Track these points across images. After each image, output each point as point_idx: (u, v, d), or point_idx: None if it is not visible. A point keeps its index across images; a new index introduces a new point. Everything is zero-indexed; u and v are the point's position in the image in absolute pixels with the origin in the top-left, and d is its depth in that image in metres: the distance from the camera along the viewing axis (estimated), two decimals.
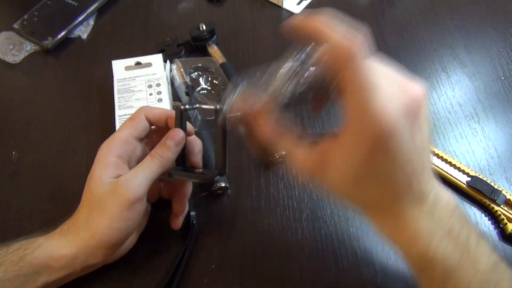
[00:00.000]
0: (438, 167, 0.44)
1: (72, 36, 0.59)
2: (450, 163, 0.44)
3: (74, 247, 0.33)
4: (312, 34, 0.25)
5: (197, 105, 0.37)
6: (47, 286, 0.33)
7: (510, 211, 0.41)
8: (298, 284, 0.39)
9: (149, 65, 0.52)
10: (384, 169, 0.25)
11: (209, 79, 0.52)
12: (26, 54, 0.57)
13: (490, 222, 0.42)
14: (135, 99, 0.49)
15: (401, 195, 0.27)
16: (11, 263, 0.32)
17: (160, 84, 0.50)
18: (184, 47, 0.55)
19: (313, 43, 0.26)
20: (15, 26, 0.58)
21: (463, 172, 0.44)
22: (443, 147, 0.47)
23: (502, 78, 0.53)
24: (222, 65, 0.53)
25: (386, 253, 0.40)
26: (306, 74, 0.27)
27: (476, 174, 0.43)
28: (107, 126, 0.47)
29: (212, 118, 0.43)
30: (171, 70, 0.52)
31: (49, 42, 0.57)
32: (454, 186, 0.44)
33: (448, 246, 0.27)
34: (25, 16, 0.59)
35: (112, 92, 0.49)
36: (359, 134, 0.24)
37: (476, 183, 0.42)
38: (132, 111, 0.47)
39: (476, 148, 0.47)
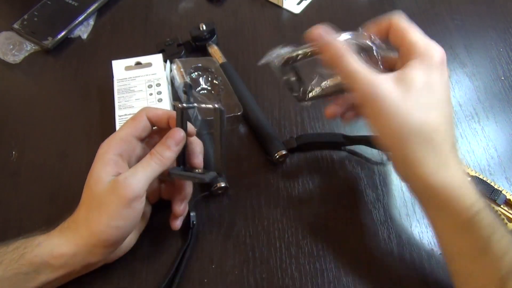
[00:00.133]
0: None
1: (72, 36, 0.59)
2: None
3: (73, 245, 0.33)
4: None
5: (196, 104, 0.37)
6: (47, 285, 0.33)
7: (510, 211, 0.41)
8: (298, 284, 0.39)
9: (149, 65, 0.52)
10: (441, 92, 0.32)
11: (209, 79, 0.52)
12: (26, 54, 0.57)
13: None
14: (135, 99, 0.49)
15: (453, 132, 0.32)
16: (11, 261, 0.32)
17: (160, 84, 0.50)
18: (184, 47, 0.55)
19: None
20: (15, 26, 0.58)
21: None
22: None
23: (502, 78, 0.53)
24: (222, 65, 0.53)
25: (386, 253, 0.40)
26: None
27: (476, 174, 0.43)
28: (107, 126, 0.47)
29: (212, 118, 0.43)
30: (171, 70, 0.52)
31: (49, 42, 0.57)
32: None
33: (486, 201, 0.31)
34: (25, 16, 0.59)
35: (112, 92, 0.49)
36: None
37: (476, 183, 0.42)
38: (132, 111, 0.47)
39: (476, 148, 0.47)
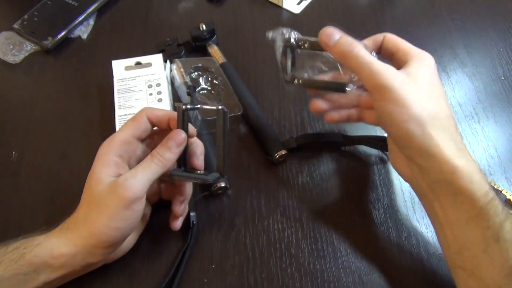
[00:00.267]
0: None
1: (72, 36, 0.59)
2: None
3: (73, 246, 0.33)
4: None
5: (199, 105, 0.37)
6: (47, 285, 0.33)
7: (510, 211, 0.41)
8: (298, 284, 0.39)
9: (149, 65, 0.52)
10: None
11: (209, 79, 0.52)
12: (26, 54, 0.57)
13: None
14: (135, 99, 0.49)
15: (453, 122, 0.34)
16: (11, 261, 0.32)
17: (160, 84, 0.50)
18: (184, 47, 0.55)
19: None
20: (15, 26, 0.58)
21: None
22: None
23: (502, 78, 0.53)
24: (222, 65, 0.53)
25: (386, 253, 0.40)
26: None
27: None
28: (107, 126, 0.47)
29: (212, 118, 0.43)
30: (171, 70, 0.52)
31: (49, 42, 0.57)
32: None
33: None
34: (25, 16, 0.59)
35: (112, 92, 0.49)
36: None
37: None
38: (132, 111, 0.47)
39: (476, 148, 0.47)
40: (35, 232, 0.34)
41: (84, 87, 0.54)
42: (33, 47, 0.57)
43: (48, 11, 0.60)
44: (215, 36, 0.56)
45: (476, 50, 0.55)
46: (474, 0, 0.61)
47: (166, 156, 0.35)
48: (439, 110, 0.33)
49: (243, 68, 0.54)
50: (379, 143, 0.45)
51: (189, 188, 0.40)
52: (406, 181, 0.37)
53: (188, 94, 0.38)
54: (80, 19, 0.59)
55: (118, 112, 0.48)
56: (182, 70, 0.51)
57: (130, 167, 0.36)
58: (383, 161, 0.46)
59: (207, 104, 0.46)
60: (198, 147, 0.40)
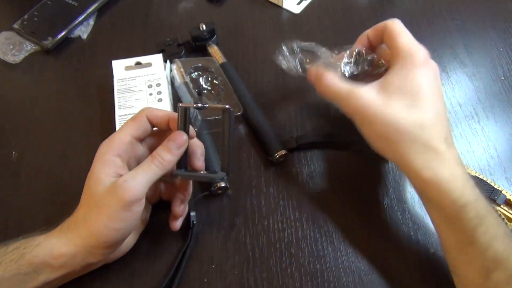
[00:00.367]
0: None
1: (72, 36, 0.59)
2: None
3: (72, 246, 0.33)
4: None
5: (207, 105, 0.37)
6: (47, 285, 0.33)
7: (510, 211, 0.41)
8: (298, 284, 0.39)
9: (149, 65, 0.52)
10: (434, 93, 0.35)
11: (209, 79, 0.52)
12: (26, 54, 0.57)
13: None
14: (135, 99, 0.49)
15: (442, 128, 0.34)
16: (11, 261, 0.32)
17: (160, 84, 0.50)
18: (184, 47, 0.55)
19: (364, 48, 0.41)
20: (15, 26, 0.58)
21: None
22: None
23: (502, 78, 0.53)
24: (222, 65, 0.53)
25: (387, 252, 0.40)
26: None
27: (476, 174, 0.43)
28: (107, 126, 0.47)
29: (212, 118, 0.43)
30: (171, 70, 0.52)
31: (49, 42, 0.57)
32: None
33: (477, 195, 0.32)
34: (25, 16, 0.59)
35: (112, 92, 0.49)
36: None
37: (476, 183, 0.42)
38: (132, 111, 0.47)
39: (476, 148, 0.47)
40: (35, 232, 0.34)
41: (84, 87, 0.54)
42: (33, 47, 0.57)
43: (48, 11, 0.60)
44: (215, 36, 0.56)
45: (476, 50, 0.55)
46: (474, 0, 0.61)
47: (166, 157, 0.35)
48: (409, 120, 0.34)
49: (243, 68, 0.54)
50: None
51: (189, 188, 0.40)
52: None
53: (198, 93, 0.37)
54: (80, 19, 0.59)
55: (118, 112, 0.48)
56: (182, 70, 0.51)
57: (129, 167, 0.36)
58: (383, 161, 0.46)
59: (213, 103, 0.46)
60: (198, 147, 0.39)
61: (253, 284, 0.39)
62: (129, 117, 0.47)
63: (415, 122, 0.34)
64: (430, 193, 0.33)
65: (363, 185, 0.45)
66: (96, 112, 0.51)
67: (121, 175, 0.34)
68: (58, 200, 0.44)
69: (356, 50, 0.40)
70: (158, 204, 0.42)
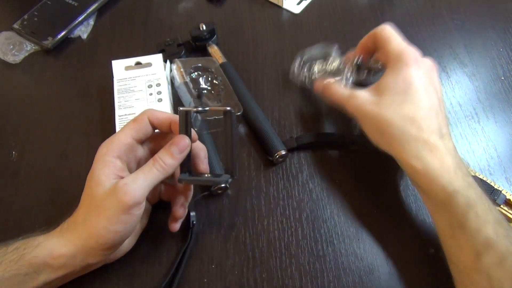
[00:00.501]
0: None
1: (72, 36, 0.59)
2: None
3: (72, 246, 0.33)
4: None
5: (207, 108, 0.37)
6: (47, 285, 0.33)
7: (510, 211, 0.41)
8: (298, 284, 0.39)
9: (149, 65, 0.52)
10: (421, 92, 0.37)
11: (209, 79, 0.52)
12: (26, 54, 0.57)
13: None
14: (135, 99, 0.49)
15: (432, 121, 0.36)
16: (11, 262, 0.32)
17: (160, 84, 0.50)
18: (184, 47, 0.55)
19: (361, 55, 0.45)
20: (15, 26, 0.58)
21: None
22: None
23: (502, 78, 0.53)
24: (222, 65, 0.53)
25: (386, 252, 0.40)
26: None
27: (476, 174, 0.43)
28: (107, 126, 0.47)
29: (212, 118, 0.43)
30: (171, 70, 0.52)
31: (49, 42, 0.57)
32: None
33: (469, 183, 0.34)
34: (25, 16, 0.59)
35: (112, 92, 0.49)
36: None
37: (476, 183, 0.42)
38: (132, 111, 0.47)
39: (476, 148, 0.47)
40: (35, 233, 0.34)
41: (84, 87, 0.54)
42: (33, 47, 0.57)
43: (48, 11, 0.60)
44: (215, 36, 0.56)
45: (476, 50, 0.55)
46: (474, 0, 0.61)
47: (168, 162, 0.35)
48: (398, 116, 0.37)
49: (243, 68, 0.54)
50: None
51: (189, 190, 0.40)
52: None
53: (198, 96, 0.37)
54: (80, 19, 0.59)
55: (118, 112, 0.48)
56: (182, 70, 0.51)
57: (129, 169, 0.36)
58: (383, 161, 0.46)
59: (213, 106, 0.46)
60: (201, 150, 0.39)
61: (253, 284, 0.39)
62: (129, 117, 0.47)
63: (406, 116, 0.36)
64: (421, 182, 0.36)
65: (363, 185, 0.45)
66: (96, 112, 0.51)
67: (121, 177, 0.34)
68: (58, 200, 0.44)
69: (355, 60, 0.44)
70: (158, 204, 0.42)
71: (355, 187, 0.45)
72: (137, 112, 0.47)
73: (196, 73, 0.52)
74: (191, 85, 0.50)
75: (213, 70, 0.52)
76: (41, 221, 0.42)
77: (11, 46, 0.57)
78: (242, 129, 0.49)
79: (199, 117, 0.47)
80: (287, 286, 0.39)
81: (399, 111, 0.37)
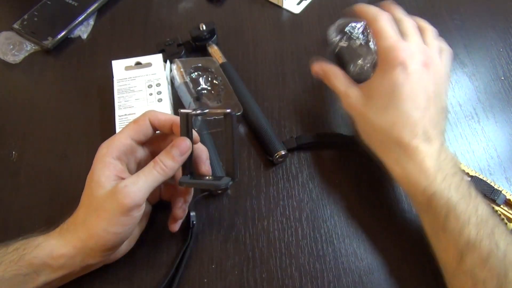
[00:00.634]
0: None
1: (72, 36, 0.59)
2: None
3: (71, 247, 0.33)
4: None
5: (207, 110, 0.36)
6: (47, 285, 0.33)
7: (510, 211, 0.41)
8: (298, 284, 0.39)
9: (149, 65, 0.52)
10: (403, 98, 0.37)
11: (209, 79, 0.52)
12: (26, 54, 0.57)
13: None
14: (135, 99, 0.49)
15: (415, 125, 0.36)
16: (10, 262, 0.32)
17: (160, 84, 0.50)
18: (184, 47, 0.55)
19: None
20: (15, 26, 0.58)
21: (463, 172, 0.44)
22: None
23: (502, 78, 0.53)
24: (222, 65, 0.53)
25: (387, 252, 0.40)
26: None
27: (476, 174, 0.43)
28: (107, 126, 0.47)
29: (212, 118, 0.43)
30: (171, 70, 0.52)
31: (49, 42, 0.57)
32: None
33: (451, 184, 0.34)
34: (25, 16, 0.59)
35: (112, 92, 0.49)
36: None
37: (476, 183, 0.42)
38: (132, 111, 0.47)
39: (476, 148, 0.47)
40: (35, 233, 0.34)
41: (84, 87, 0.54)
42: (33, 47, 0.57)
43: (48, 11, 0.60)
44: (215, 36, 0.56)
45: (476, 50, 0.55)
46: (474, 0, 0.61)
47: (168, 164, 0.35)
48: (382, 120, 0.37)
49: (243, 68, 0.54)
50: None
51: (190, 192, 0.40)
52: None
53: (197, 99, 0.37)
54: (80, 19, 0.59)
55: (118, 112, 0.48)
56: (182, 70, 0.51)
57: (129, 169, 0.36)
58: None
59: (213, 108, 0.46)
60: (203, 152, 0.39)
61: (253, 284, 0.39)
62: (129, 117, 0.47)
63: (388, 122, 0.37)
64: (402, 186, 0.37)
65: (364, 185, 0.45)
66: (96, 112, 0.51)
67: (121, 178, 0.34)
68: (58, 200, 0.44)
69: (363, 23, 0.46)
70: (158, 204, 0.42)
71: (355, 187, 0.45)
72: (137, 112, 0.47)
73: (196, 73, 0.52)
74: (191, 85, 0.50)
75: (213, 70, 0.52)
76: (41, 221, 0.42)
77: (11, 46, 0.57)
78: (242, 129, 0.49)
79: (199, 117, 0.47)
80: (287, 286, 0.39)
81: (382, 115, 0.38)
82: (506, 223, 0.41)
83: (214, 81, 0.51)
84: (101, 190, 0.33)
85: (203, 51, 0.56)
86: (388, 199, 0.44)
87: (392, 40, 0.39)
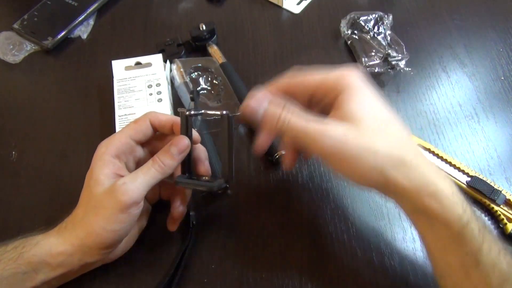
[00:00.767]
0: (438, 167, 0.44)
1: (72, 36, 0.59)
2: (450, 163, 0.44)
3: (70, 245, 0.33)
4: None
5: (203, 111, 0.36)
6: (46, 284, 0.33)
7: (510, 211, 0.41)
8: (298, 284, 0.39)
9: (149, 65, 0.52)
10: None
11: (209, 79, 0.52)
12: (26, 54, 0.57)
13: (490, 222, 0.42)
14: (135, 99, 0.49)
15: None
16: (9, 260, 0.32)
17: (160, 84, 0.50)
18: (184, 47, 0.55)
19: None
20: (15, 26, 0.58)
21: (463, 172, 0.44)
22: (443, 147, 0.47)
23: (502, 78, 0.53)
24: (222, 65, 0.53)
25: (386, 253, 0.40)
26: None
27: (476, 174, 0.43)
28: (107, 126, 0.47)
29: (212, 118, 0.43)
30: (171, 70, 0.52)
31: (49, 42, 0.57)
32: None
33: (433, 205, 0.29)
34: (25, 16, 0.59)
35: (112, 92, 0.49)
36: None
37: (476, 183, 0.42)
38: (132, 111, 0.47)
39: (476, 148, 0.47)
40: (34, 232, 0.34)
41: (84, 87, 0.54)
42: (33, 47, 0.57)
43: (48, 11, 0.60)
44: (215, 36, 0.56)
45: (476, 50, 0.55)
46: (474, 0, 0.61)
47: (167, 162, 0.35)
48: (392, 144, 0.30)
49: (243, 68, 0.54)
50: None
51: (188, 191, 0.40)
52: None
53: (192, 99, 0.37)
54: (80, 19, 0.59)
55: (118, 112, 0.48)
56: (182, 70, 0.51)
57: (128, 168, 0.36)
58: None
59: (210, 109, 0.46)
60: (202, 152, 0.39)
61: (253, 284, 0.39)
62: (129, 117, 0.47)
63: (401, 141, 0.31)
64: (434, 212, 0.30)
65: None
66: (96, 112, 0.51)
67: (120, 176, 0.34)
68: (58, 200, 0.44)
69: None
70: (159, 204, 0.42)
71: (356, 187, 0.45)
72: (137, 112, 0.47)
73: (196, 73, 0.52)
74: (191, 85, 0.50)
75: (213, 70, 0.52)
76: (41, 221, 0.42)
77: (11, 46, 0.57)
78: (242, 129, 0.49)
79: (199, 117, 0.47)
80: (287, 286, 0.39)
81: (389, 134, 0.31)
82: (506, 223, 0.41)
83: (214, 81, 0.51)
84: (100, 188, 0.33)
85: (203, 51, 0.56)
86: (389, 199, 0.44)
87: (329, 73, 0.34)
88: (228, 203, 0.44)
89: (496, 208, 0.42)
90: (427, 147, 0.46)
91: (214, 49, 0.55)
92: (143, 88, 0.50)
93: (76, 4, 0.61)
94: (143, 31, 0.59)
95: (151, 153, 0.38)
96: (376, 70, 0.51)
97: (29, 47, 0.57)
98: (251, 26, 0.60)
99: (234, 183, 0.44)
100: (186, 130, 0.36)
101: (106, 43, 0.58)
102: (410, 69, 0.52)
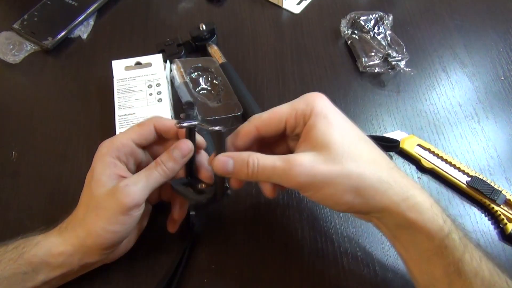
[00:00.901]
0: (438, 167, 0.44)
1: (72, 36, 0.59)
2: (450, 163, 0.44)
3: (70, 245, 0.33)
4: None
5: (196, 122, 0.35)
6: (46, 284, 0.33)
7: (510, 211, 0.41)
8: (298, 284, 0.39)
9: (149, 65, 0.52)
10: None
11: (209, 79, 0.52)
12: (26, 54, 0.57)
13: (490, 222, 0.42)
14: (135, 99, 0.49)
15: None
16: (10, 261, 0.32)
17: (160, 84, 0.50)
18: (184, 47, 0.55)
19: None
20: (15, 26, 0.58)
21: (463, 172, 0.44)
22: (443, 147, 0.47)
23: (502, 78, 0.53)
24: (222, 65, 0.53)
25: (386, 253, 0.40)
26: None
27: (476, 174, 0.43)
28: (107, 126, 0.47)
29: (212, 118, 0.43)
30: (171, 70, 0.52)
31: (49, 42, 0.57)
32: (454, 186, 0.44)
33: (416, 219, 0.30)
34: (25, 16, 0.59)
35: (112, 92, 0.49)
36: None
37: (476, 183, 0.42)
38: (132, 111, 0.47)
39: (476, 148, 0.47)
40: (34, 232, 0.34)
41: (84, 87, 0.54)
42: (33, 47, 0.57)
43: (48, 11, 0.60)
44: (215, 36, 0.56)
45: (476, 50, 0.55)
46: (474, 0, 0.61)
47: (169, 165, 0.35)
48: (365, 164, 0.31)
49: (243, 68, 0.54)
50: (386, 144, 0.45)
51: None
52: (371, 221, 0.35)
53: (185, 110, 0.35)
54: (80, 19, 0.59)
55: (118, 112, 0.48)
56: (182, 70, 0.51)
57: (129, 170, 0.36)
58: None
59: (210, 109, 0.45)
60: (204, 158, 0.39)
61: (253, 284, 0.39)
62: (129, 117, 0.47)
63: (375, 156, 0.32)
64: (412, 227, 0.31)
65: None
66: (96, 112, 0.51)
67: (122, 177, 0.34)
68: (58, 200, 0.44)
69: None
70: (158, 204, 0.41)
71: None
72: (137, 112, 0.47)
73: (196, 73, 0.52)
74: (191, 85, 0.50)
75: (213, 70, 0.52)
76: (41, 221, 0.42)
77: (11, 46, 0.57)
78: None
79: (199, 116, 0.47)
80: (287, 286, 0.39)
81: (363, 151, 0.32)
82: (506, 223, 0.41)
83: (214, 81, 0.51)
84: (101, 189, 0.33)
85: (203, 51, 0.56)
86: None
87: (293, 103, 0.34)
88: (228, 203, 0.44)
89: (496, 208, 0.42)
90: (427, 147, 0.46)
91: (214, 49, 0.55)
92: (143, 88, 0.49)
93: (76, 4, 0.61)
94: (143, 31, 0.59)
95: (153, 157, 0.38)
96: (376, 70, 0.51)
97: (29, 47, 0.57)
98: (251, 26, 0.60)
99: (223, 199, 0.42)
100: (189, 135, 0.36)
101: (106, 43, 0.58)
102: (410, 69, 0.52)
